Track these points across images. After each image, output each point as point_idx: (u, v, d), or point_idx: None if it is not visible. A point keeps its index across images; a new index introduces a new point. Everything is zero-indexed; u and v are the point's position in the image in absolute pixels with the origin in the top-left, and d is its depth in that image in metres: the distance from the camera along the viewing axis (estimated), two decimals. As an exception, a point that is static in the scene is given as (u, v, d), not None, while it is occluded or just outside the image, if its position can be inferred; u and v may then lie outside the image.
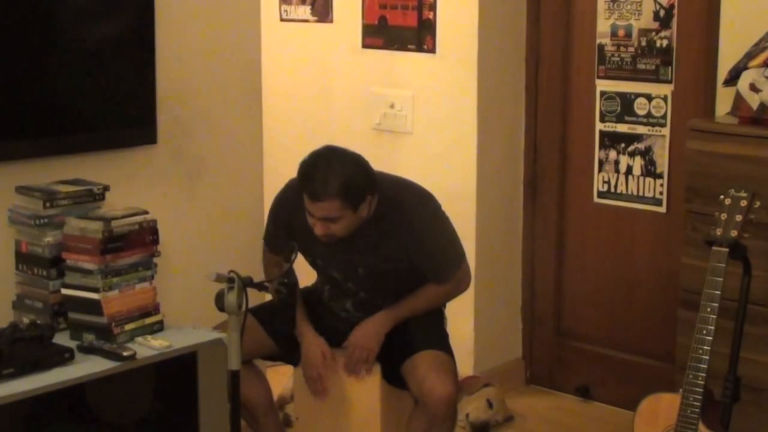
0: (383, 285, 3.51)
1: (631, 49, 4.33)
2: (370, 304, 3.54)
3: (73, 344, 3.08)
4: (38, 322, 3.12)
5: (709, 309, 3.02)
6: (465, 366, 4.41)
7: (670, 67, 4.24)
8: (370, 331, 3.49)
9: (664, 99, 4.27)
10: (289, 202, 3.48)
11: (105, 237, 3.12)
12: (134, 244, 3.20)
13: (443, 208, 3.54)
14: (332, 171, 3.25)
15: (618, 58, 4.37)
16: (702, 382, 3.01)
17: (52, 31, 3.31)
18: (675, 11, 4.21)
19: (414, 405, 3.43)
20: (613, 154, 4.45)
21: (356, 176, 3.29)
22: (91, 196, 3.26)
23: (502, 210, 4.68)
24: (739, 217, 3.05)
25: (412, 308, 3.52)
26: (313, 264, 3.60)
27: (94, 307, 3.13)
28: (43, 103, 3.30)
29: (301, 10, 4.95)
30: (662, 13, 4.24)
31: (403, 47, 4.63)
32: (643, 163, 4.37)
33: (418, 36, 4.57)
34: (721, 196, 3.10)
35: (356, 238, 3.39)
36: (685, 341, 3.27)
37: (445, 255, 3.52)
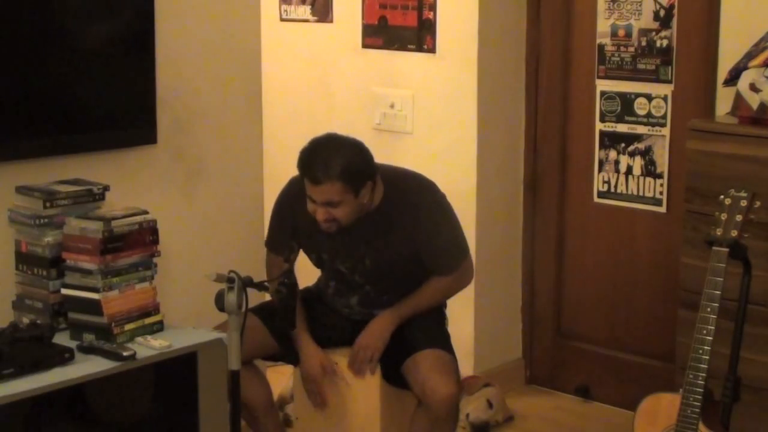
0: (390, 278, 3.51)
1: (631, 49, 4.33)
2: (375, 299, 3.54)
3: (73, 344, 3.07)
4: (38, 322, 3.12)
5: (709, 309, 3.02)
6: (465, 366, 4.41)
7: (670, 67, 4.24)
8: (376, 332, 3.49)
9: (664, 99, 4.27)
10: (293, 197, 3.49)
11: (105, 237, 3.12)
12: (134, 244, 3.20)
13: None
14: (333, 155, 3.26)
15: (618, 58, 4.37)
16: (702, 382, 3.01)
17: (52, 31, 3.30)
18: (675, 11, 4.21)
19: (417, 405, 3.43)
20: (613, 154, 4.45)
21: (356, 159, 3.31)
22: (91, 196, 3.26)
23: (502, 210, 4.68)
24: (739, 217, 3.04)
25: (415, 305, 3.51)
26: (318, 260, 3.60)
27: (94, 307, 3.13)
28: (43, 103, 3.30)
29: (301, 10, 4.95)
30: (662, 13, 4.24)
31: (403, 47, 4.63)
32: (643, 163, 4.37)
33: (418, 36, 4.57)
34: (721, 196, 3.10)
35: (362, 229, 3.39)
36: (685, 341, 3.27)
37: (448, 245, 3.51)
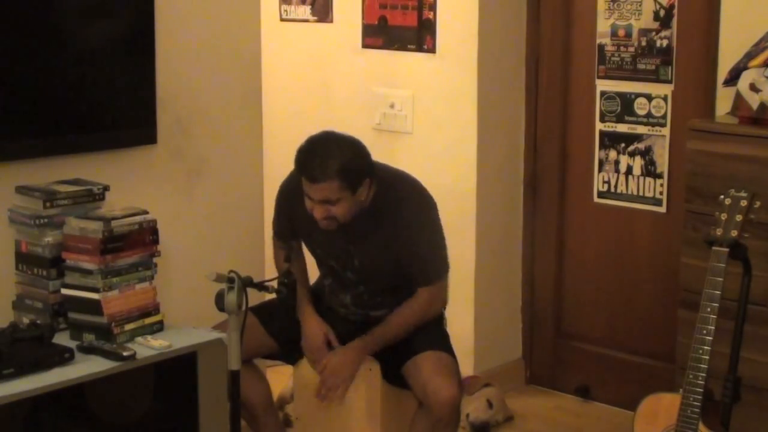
0: (380, 278, 3.50)
1: (631, 49, 4.33)
2: (369, 300, 3.54)
3: (73, 344, 3.07)
4: (38, 322, 3.12)
5: (709, 309, 3.02)
6: (465, 366, 4.40)
7: (670, 67, 4.25)
8: (347, 360, 3.45)
9: (664, 99, 4.27)
10: (291, 191, 3.49)
11: (105, 237, 3.12)
12: (134, 244, 3.20)
13: (441, 210, 3.51)
14: (330, 153, 3.25)
15: (618, 58, 4.37)
16: (702, 382, 3.01)
17: (52, 31, 3.30)
18: (675, 11, 4.21)
19: (418, 406, 3.42)
20: (613, 154, 4.45)
21: (354, 158, 3.30)
22: (91, 196, 3.26)
23: (502, 210, 4.68)
24: (739, 217, 3.04)
25: (381, 335, 3.45)
26: (314, 254, 3.61)
27: (94, 307, 3.13)
28: (43, 103, 3.30)
29: (301, 10, 4.95)
30: (662, 13, 4.24)
31: (403, 47, 4.63)
32: (643, 163, 4.37)
33: (418, 36, 4.57)
34: (721, 196, 3.10)
35: (352, 228, 3.38)
36: (685, 341, 3.27)
37: (428, 253, 3.47)
